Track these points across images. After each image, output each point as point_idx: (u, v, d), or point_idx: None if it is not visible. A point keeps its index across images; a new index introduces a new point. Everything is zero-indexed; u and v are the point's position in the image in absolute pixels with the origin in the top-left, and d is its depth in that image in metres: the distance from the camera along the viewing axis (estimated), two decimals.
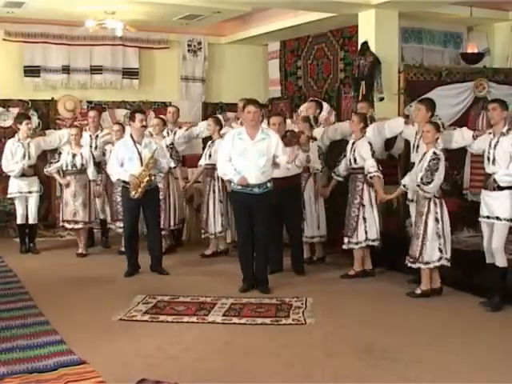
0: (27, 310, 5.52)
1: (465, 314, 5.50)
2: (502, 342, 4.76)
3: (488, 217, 5.63)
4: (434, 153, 5.84)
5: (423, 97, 7.02)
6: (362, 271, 6.79)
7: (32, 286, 6.28)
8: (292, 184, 6.78)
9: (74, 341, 4.66)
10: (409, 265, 6.02)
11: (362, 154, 6.57)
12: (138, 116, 6.78)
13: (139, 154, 6.72)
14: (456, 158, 7.12)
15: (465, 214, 6.37)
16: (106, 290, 6.26)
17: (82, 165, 7.74)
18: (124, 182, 6.80)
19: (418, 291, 6.01)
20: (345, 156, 6.83)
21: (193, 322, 5.25)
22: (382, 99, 7.84)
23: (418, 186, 5.86)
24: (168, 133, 8.08)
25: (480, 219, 5.74)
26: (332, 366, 4.29)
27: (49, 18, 9.25)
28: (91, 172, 7.82)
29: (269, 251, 6.93)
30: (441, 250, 5.88)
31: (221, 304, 5.73)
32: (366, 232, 6.63)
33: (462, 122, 7.66)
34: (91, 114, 8.42)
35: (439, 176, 5.82)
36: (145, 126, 6.85)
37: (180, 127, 8.31)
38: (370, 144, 6.62)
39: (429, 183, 5.78)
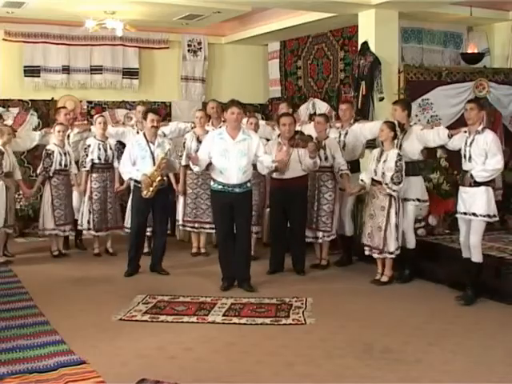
0: (27, 309, 5.52)
1: (464, 313, 5.51)
2: (502, 342, 4.76)
3: (465, 213, 5.79)
4: (398, 154, 6.23)
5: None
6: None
7: (32, 286, 6.29)
8: (299, 185, 6.81)
9: (74, 341, 4.67)
10: (375, 256, 6.43)
11: (334, 153, 6.89)
12: (150, 116, 6.76)
13: (152, 153, 6.72)
14: (456, 157, 7.11)
15: None
16: (105, 290, 6.26)
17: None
18: (136, 181, 6.79)
19: (385, 279, 6.45)
20: None
21: (193, 322, 5.25)
22: (382, 99, 7.84)
23: (387, 184, 6.20)
24: (138, 132, 7.82)
25: (457, 215, 5.92)
26: (332, 365, 4.29)
27: (49, 18, 9.24)
28: (16, 172, 7.64)
29: (271, 251, 6.98)
30: (398, 240, 6.31)
31: (221, 304, 5.73)
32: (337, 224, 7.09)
33: (461, 121, 7.63)
34: (64, 111, 8.15)
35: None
36: (156, 127, 6.79)
37: None
38: (338, 143, 7.08)
39: (399, 183, 6.18)
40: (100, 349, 4.56)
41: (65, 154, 7.68)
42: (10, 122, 8.89)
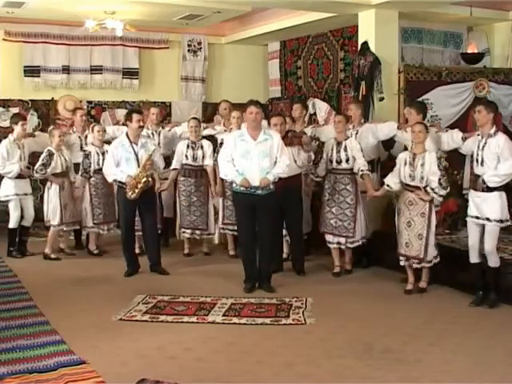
0: (27, 309, 5.52)
1: (464, 313, 5.51)
2: (502, 342, 4.76)
3: (477, 217, 5.69)
4: (436, 156, 5.99)
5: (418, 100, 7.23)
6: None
7: (32, 286, 6.29)
8: (293, 184, 6.78)
9: (74, 341, 4.67)
10: (414, 266, 6.12)
11: (355, 154, 6.63)
12: (135, 116, 6.75)
13: (136, 154, 6.71)
14: (456, 157, 7.13)
15: (464, 214, 6.39)
16: (105, 290, 6.26)
17: None
18: (120, 182, 6.78)
19: (424, 285, 6.18)
20: (321, 157, 6.88)
21: (193, 322, 5.26)
22: (382, 99, 7.83)
23: (432, 189, 5.95)
24: (153, 134, 7.99)
25: (468, 219, 5.82)
26: (332, 365, 4.29)
27: (49, 18, 9.24)
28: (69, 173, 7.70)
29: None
30: (435, 247, 6.13)
31: (221, 304, 5.73)
32: (361, 230, 6.77)
33: (462, 122, 7.68)
34: (80, 112, 8.30)
35: None
36: (142, 127, 6.82)
37: (163, 128, 8.26)
38: (359, 143, 6.74)
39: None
40: (100, 349, 4.57)
41: (103, 153, 7.66)
42: (8, 122, 8.88)
